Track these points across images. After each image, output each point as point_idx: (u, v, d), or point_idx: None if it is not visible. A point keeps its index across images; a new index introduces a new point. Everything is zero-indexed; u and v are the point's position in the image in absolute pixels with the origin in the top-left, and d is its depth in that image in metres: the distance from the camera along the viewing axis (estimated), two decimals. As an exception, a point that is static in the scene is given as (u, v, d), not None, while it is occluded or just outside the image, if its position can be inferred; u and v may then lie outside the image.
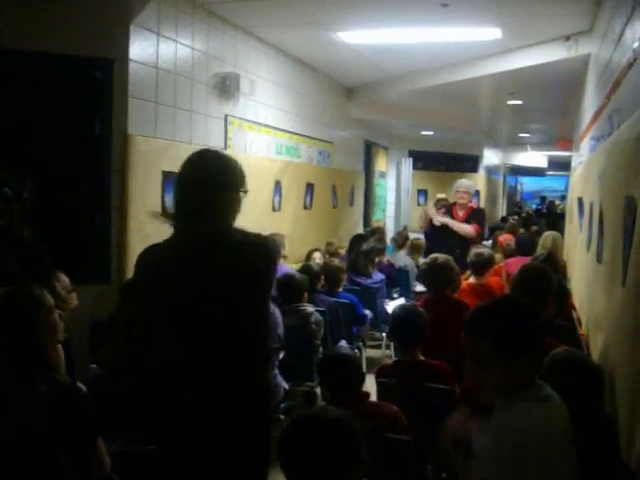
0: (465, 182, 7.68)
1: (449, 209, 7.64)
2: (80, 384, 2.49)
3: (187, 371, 2.35)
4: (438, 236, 7.51)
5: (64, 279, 3.47)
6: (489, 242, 8.66)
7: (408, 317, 3.68)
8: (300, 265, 6.20)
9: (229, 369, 2.33)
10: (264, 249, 2.41)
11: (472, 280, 5.33)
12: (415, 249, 8.74)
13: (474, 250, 5.44)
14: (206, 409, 2.30)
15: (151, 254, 2.43)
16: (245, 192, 2.46)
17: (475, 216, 7.56)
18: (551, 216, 15.91)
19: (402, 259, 8.11)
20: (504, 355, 1.92)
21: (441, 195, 9.78)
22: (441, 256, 4.57)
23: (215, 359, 2.32)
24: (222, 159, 2.45)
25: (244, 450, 2.35)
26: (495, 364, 1.93)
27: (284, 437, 1.82)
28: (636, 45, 2.69)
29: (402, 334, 3.71)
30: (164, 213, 2.45)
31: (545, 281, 3.27)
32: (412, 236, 9.34)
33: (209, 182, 2.35)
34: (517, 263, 5.37)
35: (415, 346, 3.63)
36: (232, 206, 2.41)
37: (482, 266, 5.31)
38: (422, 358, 3.66)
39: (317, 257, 6.74)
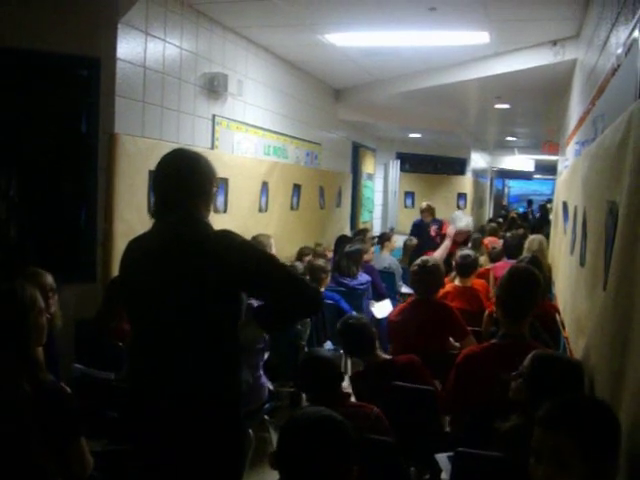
0: (470, 223, 7.63)
1: (441, 233, 7.51)
2: (63, 384, 2.48)
3: (154, 366, 2.38)
4: (427, 239, 7.52)
5: (49, 280, 3.42)
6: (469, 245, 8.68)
7: (353, 328, 3.76)
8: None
9: (195, 365, 2.34)
10: (234, 242, 2.41)
11: (457, 282, 5.35)
12: (407, 250, 8.72)
13: (459, 252, 5.46)
14: (173, 405, 2.32)
15: (131, 248, 2.53)
16: (216, 186, 2.57)
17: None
18: (542, 220, 15.93)
19: (386, 260, 8.10)
20: (589, 459, 1.67)
21: (425, 204, 9.75)
22: (431, 259, 4.54)
23: (179, 353, 2.34)
24: (194, 157, 2.52)
25: (215, 446, 2.36)
26: (575, 468, 1.68)
27: (282, 437, 1.82)
28: (620, 51, 2.72)
29: (353, 345, 3.80)
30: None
31: (533, 283, 3.27)
32: (399, 238, 9.35)
33: (182, 179, 2.44)
34: (505, 267, 5.39)
35: (370, 350, 3.70)
36: (204, 201, 2.48)
37: (468, 268, 5.34)
38: (387, 357, 3.71)
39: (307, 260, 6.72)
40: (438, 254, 6.98)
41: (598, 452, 1.67)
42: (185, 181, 2.43)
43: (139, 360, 2.46)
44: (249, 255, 2.39)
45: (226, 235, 2.42)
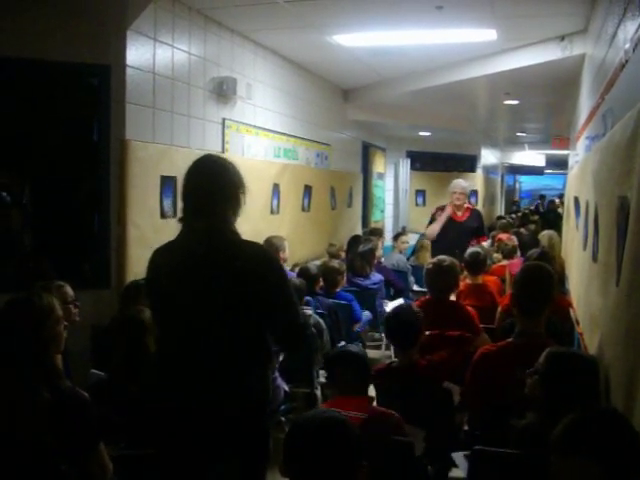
0: (461, 183, 7.49)
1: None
2: (81, 390, 2.50)
3: (182, 372, 2.42)
4: (440, 235, 7.45)
5: (69, 291, 3.45)
6: (488, 241, 8.65)
7: (404, 317, 3.67)
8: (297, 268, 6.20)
9: (224, 371, 2.38)
10: (263, 253, 2.52)
11: (468, 280, 5.34)
12: (422, 249, 8.70)
13: (469, 250, 5.45)
14: (202, 410, 2.35)
15: (159, 255, 2.57)
16: (244, 193, 2.59)
17: (477, 218, 7.46)
18: (549, 214, 15.90)
19: (394, 258, 8.12)
20: (615, 476, 1.58)
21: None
22: (447, 259, 4.50)
23: (210, 359, 2.38)
24: (223, 163, 2.57)
25: (241, 453, 2.39)
26: None
27: (287, 444, 1.83)
28: (628, 46, 2.71)
29: (398, 334, 3.70)
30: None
31: (547, 279, 3.26)
32: (411, 237, 9.34)
33: (212, 185, 2.49)
34: (521, 264, 5.38)
35: (412, 346, 3.61)
36: (233, 207, 2.52)
37: (477, 266, 5.32)
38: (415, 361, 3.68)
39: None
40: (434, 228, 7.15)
41: (623, 467, 1.59)
42: (216, 187, 2.47)
43: (167, 365, 2.48)
44: (273, 268, 2.47)
45: (254, 246, 2.50)
